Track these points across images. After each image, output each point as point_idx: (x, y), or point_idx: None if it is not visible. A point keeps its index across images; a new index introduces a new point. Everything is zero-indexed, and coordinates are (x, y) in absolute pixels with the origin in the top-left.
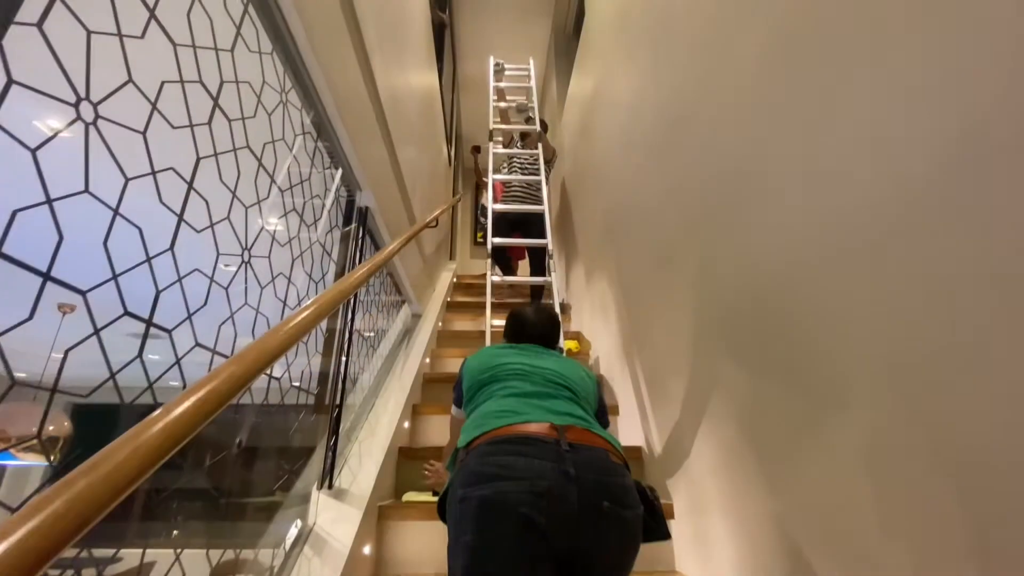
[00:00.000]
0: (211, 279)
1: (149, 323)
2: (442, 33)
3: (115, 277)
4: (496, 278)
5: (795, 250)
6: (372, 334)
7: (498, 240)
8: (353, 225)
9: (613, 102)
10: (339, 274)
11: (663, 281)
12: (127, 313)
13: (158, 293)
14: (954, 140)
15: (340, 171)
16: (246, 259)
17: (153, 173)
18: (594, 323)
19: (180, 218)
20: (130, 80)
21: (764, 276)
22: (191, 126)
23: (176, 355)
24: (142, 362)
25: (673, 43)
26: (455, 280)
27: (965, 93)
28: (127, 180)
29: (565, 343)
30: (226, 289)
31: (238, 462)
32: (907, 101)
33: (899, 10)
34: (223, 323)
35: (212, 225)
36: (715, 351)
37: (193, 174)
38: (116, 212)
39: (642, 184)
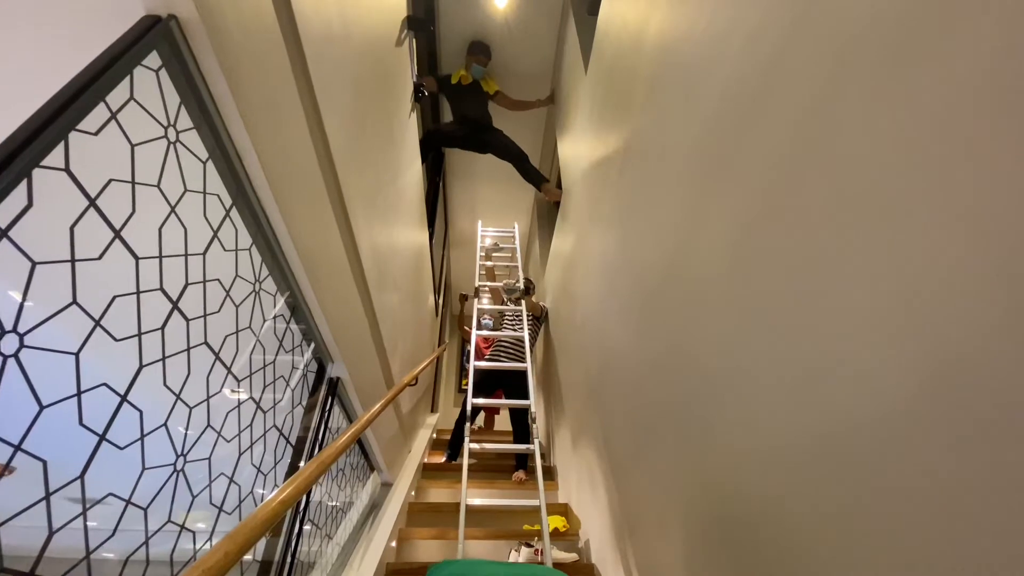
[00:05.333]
0: (127, 501)
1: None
2: (435, 198)
3: None
4: (475, 446)
5: (779, 464)
6: (335, 504)
7: (480, 401)
8: (321, 394)
9: (589, 272)
10: (297, 452)
11: (649, 464)
12: (4, 570)
13: (51, 535)
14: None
15: (312, 346)
16: (179, 467)
17: (79, 394)
18: (582, 496)
19: (102, 438)
20: (74, 302)
21: (751, 488)
22: (139, 335)
23: None
24: None
25: (641, 225)
26: (434, 436)
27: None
28: (41, 408)
29: (551, 521)
30: (145, 510)
31: None
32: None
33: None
34: (134, 551)
35: (142, 437)
36: (713, 566)
37: (130, 386)
38: (17, 448)
39: (621, 356)
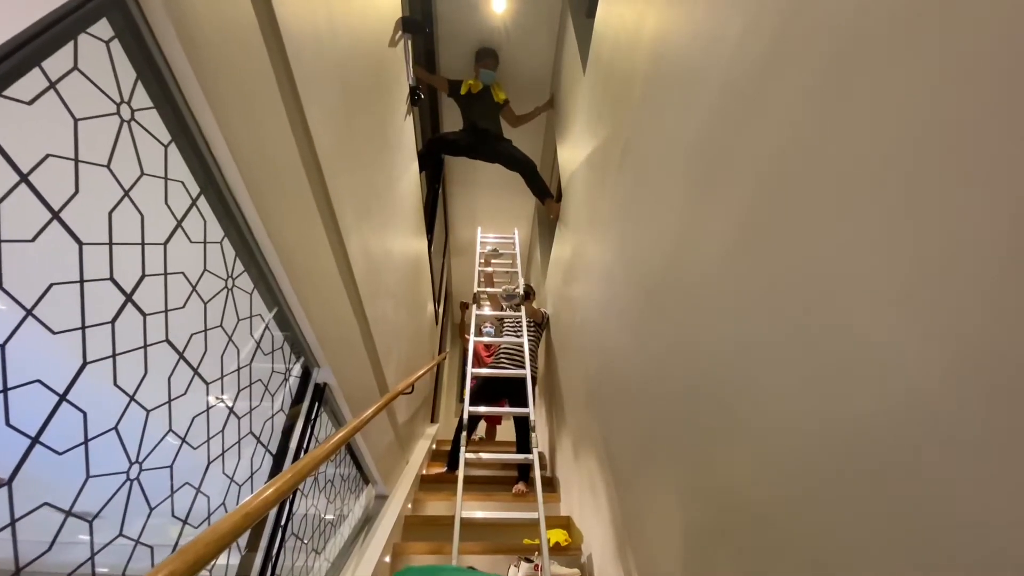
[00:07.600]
0: (67, 512)
1: None
2: (435, 206)
3: None
4: (470, 455)
5: (794, 471)
6: (325, 516)
7: (482, 409)
8: (306, 401)
9: (589, 274)
10: (278, 462)
11: (651, 471)
12: None
13: None
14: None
15: (294, 348)
16: (133, 475)
17: (5, 391)
18: (584, 507)
19: (34, 440)
20: None
21: (758, 493)
22: (83, 328)
23: None
24: None
25: (640, 224)
26: (434, 447)
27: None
28: None
29: (552, 535)
30: (90, 523)
31: None
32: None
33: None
34: (79, 567)
35: (86, 442)
36: None
37: (71, 383)
38: None
39: (620, 358)
